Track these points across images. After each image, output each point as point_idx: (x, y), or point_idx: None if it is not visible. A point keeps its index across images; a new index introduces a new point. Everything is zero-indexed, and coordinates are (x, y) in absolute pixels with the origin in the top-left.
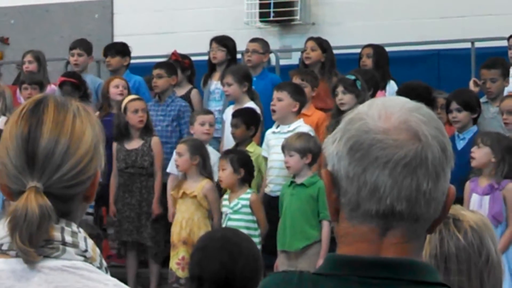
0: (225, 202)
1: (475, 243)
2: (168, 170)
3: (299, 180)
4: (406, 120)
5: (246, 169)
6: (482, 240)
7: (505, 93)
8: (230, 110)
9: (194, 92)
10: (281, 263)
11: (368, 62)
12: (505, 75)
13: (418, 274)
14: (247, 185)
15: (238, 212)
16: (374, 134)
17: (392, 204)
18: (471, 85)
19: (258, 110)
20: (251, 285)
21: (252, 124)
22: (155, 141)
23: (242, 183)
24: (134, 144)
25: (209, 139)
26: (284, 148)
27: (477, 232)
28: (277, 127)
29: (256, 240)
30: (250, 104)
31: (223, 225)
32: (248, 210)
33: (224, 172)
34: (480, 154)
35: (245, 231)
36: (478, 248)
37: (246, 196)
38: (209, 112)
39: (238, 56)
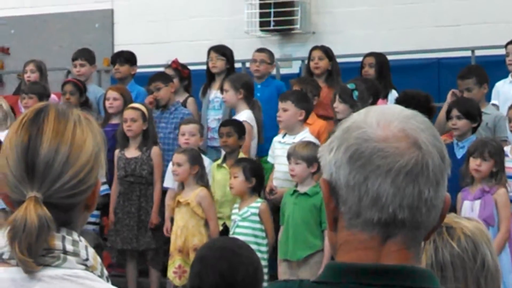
0: (235, 210)
1: (469, 249)
2: (164, 185)
3: (302, 189)
4: (404, 128)
5: (257, 178)
6: (476, 246)
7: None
8: None
9: (190, 101)
10: (283, 272)
11: (371, 72)
12: (482, 83)
13: (417, 280)
14: (257, 194)
15: (247, 219)
16: (374, 143)
17: (394, 213)
18: (449, 97)
19: (248, 121)
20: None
21: (243, 133)
22: (155, 151)
23: (252, 192)
24: (134, 152)
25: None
26: (290, 155)
27: (471, 238)
28: (283, 136)
29: (264, 249)
30: (247, 112)
31: (231, 232)
32: (256, 218)
33: (236, 180)
34: (487, 168)
35: (252, 239)
36: (472, 254)
37: (256, 204)
38: (191, 122)
39: (238, 65)
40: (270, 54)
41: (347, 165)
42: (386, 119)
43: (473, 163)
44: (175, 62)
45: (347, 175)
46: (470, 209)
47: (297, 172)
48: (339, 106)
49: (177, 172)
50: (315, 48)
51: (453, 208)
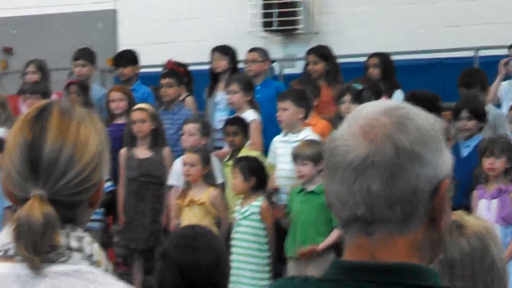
0: (236, 208)
1: (478, 249)
2: (169, 183)
3: (309, 188)
4: (365, 124)
5: (257, 177)
6: (485, 246)
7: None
8: None
9: (189, 99)
10: (290, 271)
11: (375, 72)
12: (485, 88)
13: (419, 278)
14: (260, 192)
15: (248, 218)
16: (334, 142)
17: (353, 210)
18: (502, 67)
19: (257, 119)
20: (215, 276)
21: (248, 131)
22: (167, 151)
23: (254, 191)
24: (145, 153)
25: (188, 147)
26: (296, 157)
27: (480, 238)
28: (285, 135)
29: (265, 247)
30: (251, 112)
31: (233, 231)
32: (257, 217)
33: (236, 180)
34: (500, 165)
35: (253, 238)
36: (481, 254)
37: (257, 203)
38: (192, 122)
39: (241, 65)
40: (262, 53)
41: (325, 169)
42: (356, 116)
43: (486, 162)
44: (170, 62)
45: (325, 179)
46: (487, 208)
47: (305, 172)
48: (352, 107)
49: (190, 172)
50: (309, 52)
51: (466, 208)
